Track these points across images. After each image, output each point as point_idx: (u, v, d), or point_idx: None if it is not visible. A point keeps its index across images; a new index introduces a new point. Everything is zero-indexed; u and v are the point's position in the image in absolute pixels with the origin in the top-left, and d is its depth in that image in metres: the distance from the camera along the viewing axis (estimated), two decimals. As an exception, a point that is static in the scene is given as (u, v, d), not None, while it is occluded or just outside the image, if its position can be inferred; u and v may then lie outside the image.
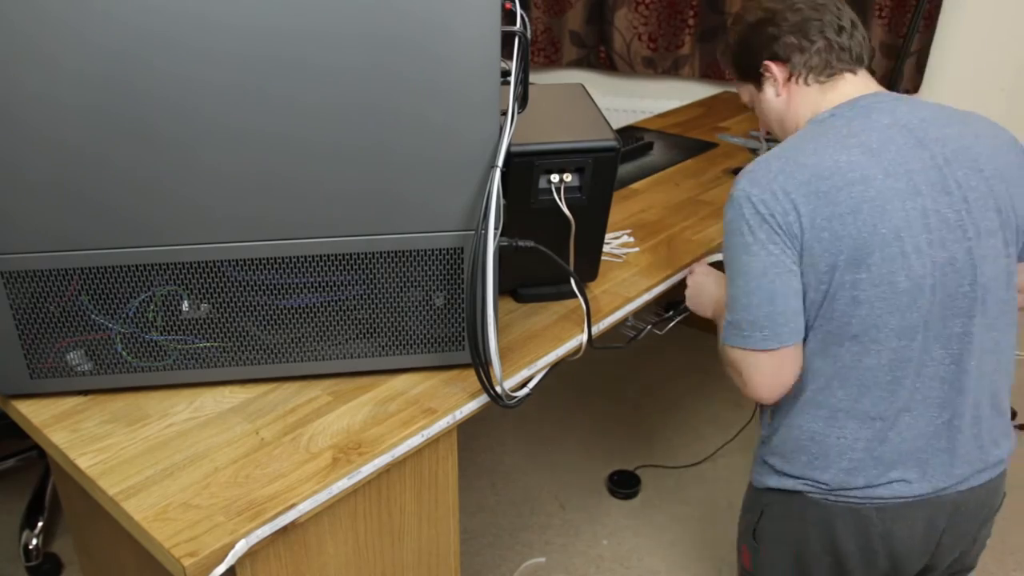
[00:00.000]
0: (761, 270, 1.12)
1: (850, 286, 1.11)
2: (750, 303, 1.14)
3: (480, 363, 1.04)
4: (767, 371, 1.16)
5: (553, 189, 1.18)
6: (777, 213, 1.11)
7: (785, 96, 1.27)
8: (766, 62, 1.26)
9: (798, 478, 1.23)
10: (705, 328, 2.69)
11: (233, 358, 1.08)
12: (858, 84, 1.23)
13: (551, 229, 1.24)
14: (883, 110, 1.18)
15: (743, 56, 1.31)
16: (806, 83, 1.24)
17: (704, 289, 1.41)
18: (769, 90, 1.28)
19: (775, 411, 1.26)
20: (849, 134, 1.15)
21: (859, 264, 1.10)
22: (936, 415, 1.18)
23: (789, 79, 1.25)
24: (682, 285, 1.47)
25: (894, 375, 1.15)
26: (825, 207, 1.09)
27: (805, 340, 1.17)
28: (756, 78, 1.29)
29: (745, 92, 1.35)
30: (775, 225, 1.11)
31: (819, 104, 1.23)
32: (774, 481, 1.27)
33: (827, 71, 1.23)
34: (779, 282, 1.12)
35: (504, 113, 1.02)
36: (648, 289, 1.38)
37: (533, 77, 3.14)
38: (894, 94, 1.21)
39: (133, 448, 0.98)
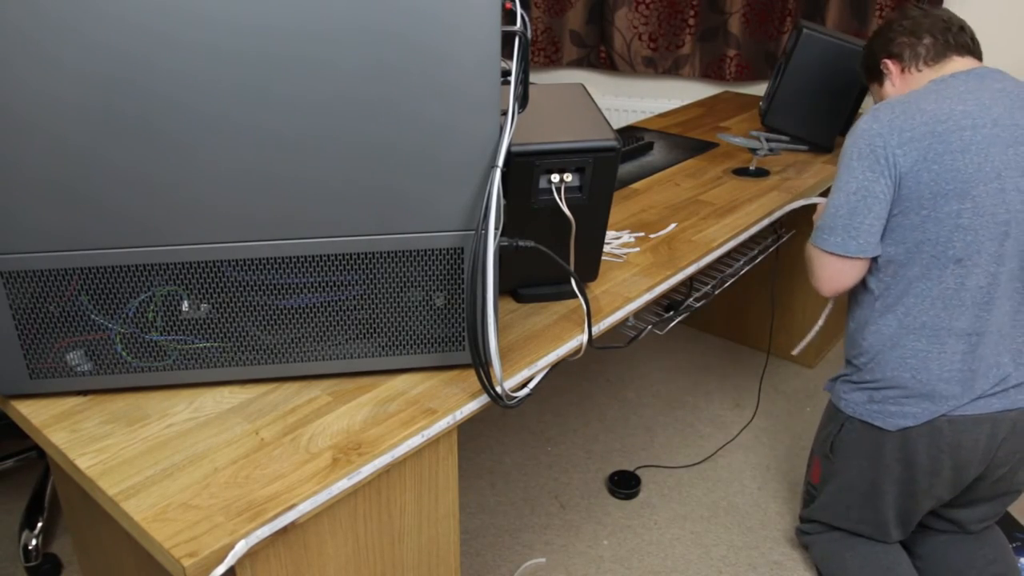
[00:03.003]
0: (854, 189, 1.39)
1: (955, 215, 1.35)
2: (836, 213, 1.42)
3: (480, 363, 1.04)
4: (830, 271, 1.45)
5: (553, 189, 1.18)
6: (889, 145, 1.36)
7: (899, 85, 1.53)
8: (884, 60, 1.55)
9: (889, 396, 1.46)
10: (705, 328, 2.69)
11: (233, 358, 1.08)
12: (967, 62, 1.47)
13: (551, 229, 1.24)
14: (995, 78, 1.42)
15: (868, 60, 1.60)
16: (918, 69, 1.50)
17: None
18: (887, 84, 1.56)
19: (878, 330, 1.47)
20: (966, 91, 1.39)
21: (964, 196, 1.34)
22: (1019, 335, 1.43)
23: (903, 72, 1.52)
24: (682, 285, 1.48)
25: (990, 296, 1.39)
26: (938, 144, 1.34)
27: (907, 266, 1.41)
28: (879, 77, 1.58)
29: (874, 91, 1.63)
30: (881, 156, 1.37)
31: (931, 78, 1.48)
32: (860, 399, 1.50)
33: (936, 57, 1.48)
34: (863, 204, 1.39)
35: (504, 113, 1.02)
36: (648, 289, 1.38)
37: (533, 77, 3.14)
38: (1002, 70, 1.48)
39: (133, 448, 0.98)
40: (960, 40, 1.49)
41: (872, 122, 1.39)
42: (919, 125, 1.36)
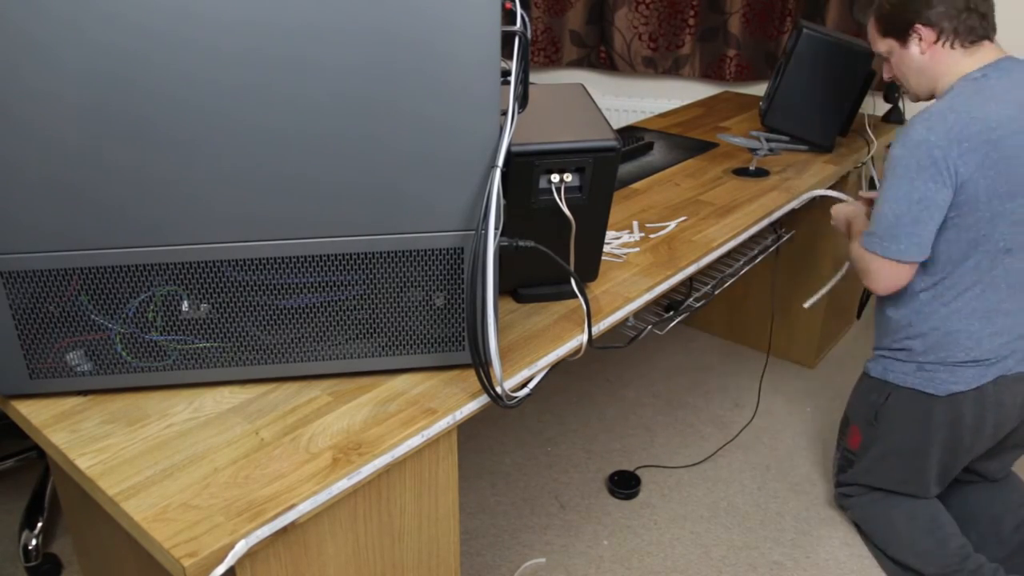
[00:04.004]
0: (917, 198, 1.45)
1: (1009, 212, 1.46)
2: (897, 222, 1.48)
3: (480, 363, 1.04)
4: (889, 275, 1.53)
5: (553, 189, 1.18)
6: (949, 157, 1.42)
7: (929, 56, 1.54)
8: (917, 25, 1.52)
9: (940, 367, 1.57)
10: (705, 328, 2.69)
11: (233, 358, 1.08)
12: (994, 50, 1.52)
13: (551, 229, 1.24)
14: (1021, 70, 1.49)
15: (895, 17, 1.56)
16: (952, 47, 1.51)
17: (843, 212, 1.75)
18: (914, 48, 1.55)
19: (927, 318, 1.57)
20: (1004, 91, 1.46)
21: (1015, 195, 1.45)
22: None
23: (936, 42, 1.52)
24: (682, 285, 1.48)
25: None
26: (994, 151, 1.42)
27: (960, 262, 1.51)
28: (902, 36, 1.56)
29: (884, 45, 1.61)
30: (943, 167, 1.42)
31: (963, 66, 1.52)
32: (909, 369, 1.60)
33: (970, 37, 1.51)
34: (926, 213, 1.46)
35: (504, 113, 1.02)
36: (648, 289, 1.38)
37: (533, 77, 3.14)
38: (1020, 58, 1.54)
39: (133, 448, 0.98)
40: (989, 16, 1.52)
41: (928, 133, 1.43)
42: (975, 135, 1.42)
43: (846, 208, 1.75)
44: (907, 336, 1.61)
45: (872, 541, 1.76)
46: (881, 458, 1.70)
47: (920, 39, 1.53)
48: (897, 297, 1.62)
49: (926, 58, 1.54)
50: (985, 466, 1.72)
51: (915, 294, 1.58)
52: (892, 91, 2.41)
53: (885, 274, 1.54)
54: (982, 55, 1.51)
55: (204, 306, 1.04)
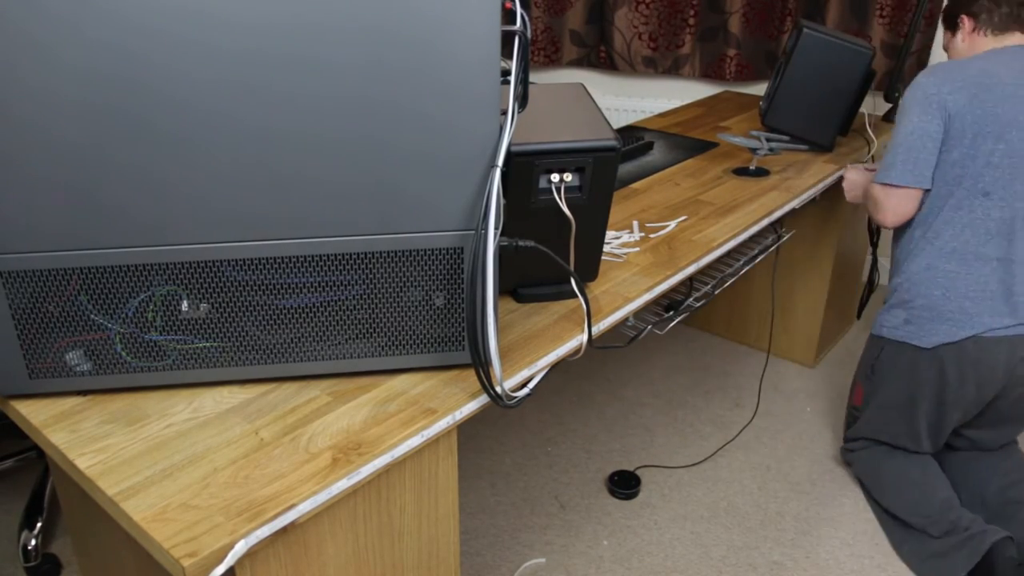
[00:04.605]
0: (911, 130, 1.66)
1: (989, 153, 1.61)
2: (896, 151, 1.69)
3: (480, 363, 1.03)
4: (893, 201, 1.71)
5: (553, 189, 1.17)
6: (941, 92, 1.63)
7: (968, 43, 1.76)
8: (961, 15, 1.75)
9: (924, 317, 1.71)
10: (705, 328, 2.69)
11: (233, 358, 1.07)
12: (1022, 38, 1.71)
13: (551, 229, 1.24)
14: None
15: (951, 9, 1.79)
16: (984, 34, 1.73)
17: (857, 180, 1.94)
18: (959, 35, 1.78)
19: (916, 256, 1.73)
20: (1011, 60, 1.66)
21: (999, 137, 1.61)
22: None
23: (974, 31, 1.74)
24: (682, 285, 1.48)
25: (1012, 227, 1.64)
26: (984, 92, 1.61)
27: (945, 199, 1.67)
28: (954, 27, 1.79)
29: (946, 38, 1.84)
30: (934, 103, 1.63)
31: (989, 46, 1.72)
32: (897, 321, 1.76)
33: (1002, 28, 1.71)
34: (919, 142, 1.65)
35: (504, 112, 1.02)
36: (648, 289, 1.38)
37: (533, 76, 3.14)
38: None
39: (132, 448, 0.97)
40: None
41: (927, 76, 1.66)
42: (968, 76, 1.62)
43: (861, 180, 1.92)
44: (897, 274, 1.78)
45: (871, 495, 1.89)
46: (878, 411, 1.85)
47: (963, 28, 1.75)
48: (900, 234, 1.78)
49: (965, 45, 1.76)
50: (979, 435, 1.82)
51: (911, 233, 1.74)
52: (892, 91, 2.41)
53: (891, 203, 1.71)
54: (1008, 40, 1.70)
55: (204, 306, 1.04)
